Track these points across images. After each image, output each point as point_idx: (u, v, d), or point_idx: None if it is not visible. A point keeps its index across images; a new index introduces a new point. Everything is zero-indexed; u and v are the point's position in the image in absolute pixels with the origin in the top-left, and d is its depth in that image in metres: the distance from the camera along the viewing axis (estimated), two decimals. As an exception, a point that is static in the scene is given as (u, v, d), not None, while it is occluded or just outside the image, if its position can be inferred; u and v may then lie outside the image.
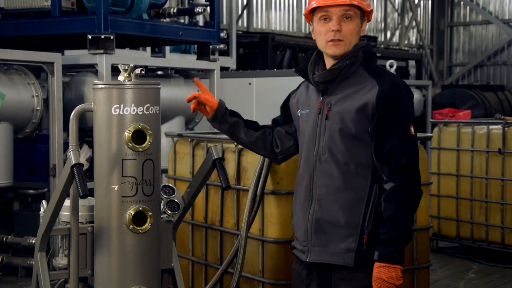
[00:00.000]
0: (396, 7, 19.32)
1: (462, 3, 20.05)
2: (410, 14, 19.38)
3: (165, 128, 6.07)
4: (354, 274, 2.75)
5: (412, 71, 16.84)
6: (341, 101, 2.77)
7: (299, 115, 2.93)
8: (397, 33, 19.28)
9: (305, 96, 2.93)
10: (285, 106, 3.06)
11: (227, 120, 3.03)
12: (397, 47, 18.36)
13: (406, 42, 19.32)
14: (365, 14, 2.85)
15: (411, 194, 2.69)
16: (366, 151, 2.75)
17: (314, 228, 2.79)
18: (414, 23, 19.60)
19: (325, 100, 2.81)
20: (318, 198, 2.79)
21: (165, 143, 4.70)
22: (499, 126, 6.77)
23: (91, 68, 5.80)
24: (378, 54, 12.89)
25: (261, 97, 7.88)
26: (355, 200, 2.74)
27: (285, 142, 3.05)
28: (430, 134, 6.23)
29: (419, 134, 4.41)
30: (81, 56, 5.82)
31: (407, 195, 2.68)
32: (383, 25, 18.89)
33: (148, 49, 7.85)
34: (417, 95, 11.15)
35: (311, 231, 2.80)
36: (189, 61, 7.45)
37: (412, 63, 16.50)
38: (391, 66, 10.36)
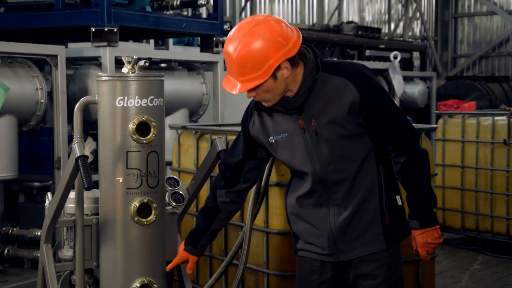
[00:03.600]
0: (400, -2, 19.26)
1: (466, -6, 19.98)
2: (414, 5, 19.30)
3: (169, 120, 6.06)
4: (374, 254, 2.83)
5: (416, 62, 16.80)
6: (323, 110, 2.75)
7: (272, 142, 2.85)
8: (401, 24, 19.21)
9: (271, 122, 2.84)
10: (248, 138, 2.93)
11: (204, 246, 3.11)
12: (401, 39, 18.28)
13: (410, 33, 19.24)
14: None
15: (422, 159, 2.82)
16: (366, 143, 2.81)
17: (340, 230, 2.82)
18: (418, 14, 19.52)
19: (305, 117, 2.77)
20: (337, 204, 2.82)
21: (169, 135, 4.70)
22: (504, 117, 6.75)
23: (95, 61, 5.78)
24: (382, 46, 12.82)
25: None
26: (368, 190, 2.81)
27: (255, 175, 3.02)
28: (435, 125, 6.20)
29: (423, 125, 4.42)
30: (84, 48, 5.80)
31: (419, 162, 2.81)
32: (387, 16, 18.83)
33: (152, 41, 7.83)
34: (421, 87, 11.10)
35: (337, 234, 2.83)
36: (192, 53, 7.43)
37: (416, 54, 16.45)
38: (395, 57, 10.32)
